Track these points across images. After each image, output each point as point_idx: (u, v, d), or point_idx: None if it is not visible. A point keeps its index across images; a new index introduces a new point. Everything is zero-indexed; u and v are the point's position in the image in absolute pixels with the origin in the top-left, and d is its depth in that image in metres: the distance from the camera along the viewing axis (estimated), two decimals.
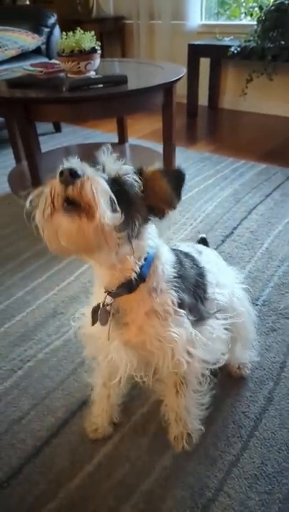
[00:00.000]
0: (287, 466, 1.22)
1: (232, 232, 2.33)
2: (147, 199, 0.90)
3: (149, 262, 1.00)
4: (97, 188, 0.76)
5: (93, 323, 1.06)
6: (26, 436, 1.34)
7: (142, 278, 0.99)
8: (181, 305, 1.06)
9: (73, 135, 4.01)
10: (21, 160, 2.90)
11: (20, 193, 0.82)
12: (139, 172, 0.90)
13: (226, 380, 1.48)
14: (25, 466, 1.26)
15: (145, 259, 0.98)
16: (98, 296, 1.06)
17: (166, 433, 1.30)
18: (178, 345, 1.04)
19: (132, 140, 3.41)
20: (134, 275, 0.97)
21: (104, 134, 3.95)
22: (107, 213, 0.77)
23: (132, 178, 0.87)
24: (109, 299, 1.03)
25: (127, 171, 0.88)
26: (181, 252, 1.20)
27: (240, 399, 1.42)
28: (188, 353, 1.08)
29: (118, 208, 0.80)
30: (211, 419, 1.34)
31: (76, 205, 0.77)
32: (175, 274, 1.06)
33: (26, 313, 1.83)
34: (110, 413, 1.33)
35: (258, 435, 1.31)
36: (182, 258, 1.15)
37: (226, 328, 1.22)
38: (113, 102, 2.07)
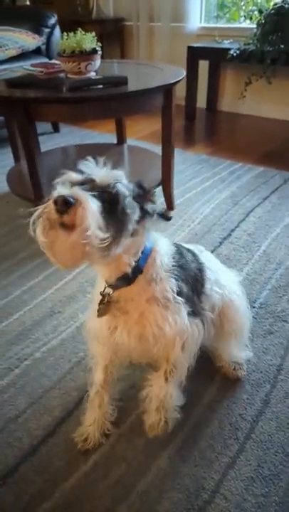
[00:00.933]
0: (283, 469, 1.22)
1: (230, 235, 2.33)
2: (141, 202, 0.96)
3: (146, 254, 1.04)
4: (89, 212, 0.82)
5: (99, 312, 1.10)
6: (23, 434, 1.34)
7: (139, 270, 1.03)
8: (179, 293, 1.10)
9: (71, 135, 4.01)
10: (20, 159, 2.90)
11: (20, 211, 0.90)
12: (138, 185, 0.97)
13: (223, 382, 1.48)
14: (21, 465, 1.26)
15: (142, 252, 1.02)
16: (100, 287, 1.10)
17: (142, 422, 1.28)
18: (172, 332, 1.09)
19: (130, 141, 3.40)
20: (129, 269, 1.01)
21: (102, 134, 3.95)
22: (97, 235, 0.83)
23: (123, 184, 0.92)
24: (109, 290, 1.07)
25: (117, 176, 0.92)
26: (182, 246, 1.24)
27: (237, 401, 1.42)
28: (180, 341, 1.13)
29: (108, 226, 0.85)
30: (208, 421, 1.35)
31: (70, 227, 0.83)
32: (174, 264, 1.10)
33: (23, 312, 1.83)
34: (102, 423, 1.32)
35: (254, 437, 1.31)
36: (183, 251, 1.19)
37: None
38: (113, 103, 2.07)
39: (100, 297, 1.09)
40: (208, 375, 1.41)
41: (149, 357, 1.18)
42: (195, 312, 1.17)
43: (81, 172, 0.93)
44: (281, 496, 1.16)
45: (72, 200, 0.81)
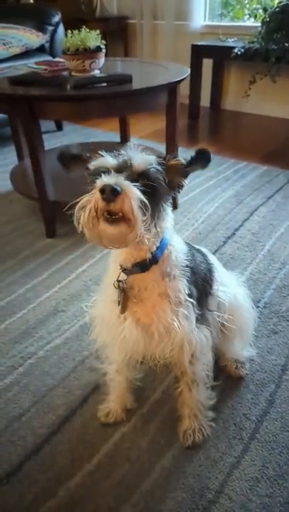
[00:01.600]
0: (288, 469, 1.21)
1: (234, 234, 2.33)
2: (169, 179, 0.97)
3: (163, 245, 1.05)
4: (134, 201, 0.84)
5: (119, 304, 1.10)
6: (26, 433, 1.34)
7: (154, 260, 1.04)
8: (190, 296, 1.11)
9: (74, 133, 4.00)
10: (24, 158, 2.89)
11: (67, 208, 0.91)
12: (163, 160, 0.97)
13: (227, 382, 1.48)
14: (25, 464, 1.25)
15: (160, 241, 1.04)
16: (112, 272, 1.10)
17: (176, 427, 1.32)
18: (179, 335, 1.09)
19: (133, 140, 3.40)
20: (148, 255, 1.02)
21: (106, 132, 3.95)
22: (142, 222, 0.86)
23: (156, 168, 0.93)
24: (123, 276, 1.07)
25: (151, 161, 0.93)
26: (193, 246, 1.25)
27: (241, 401, 1.42)
28: (188, 348, 1.13)
29: (149, 206, 0.87)
30: (212, 421, 1.34)
31: (116, 215, 0.86)
32: (187, 263, 1.11)
33: (27, 310, 1.83)
34: (124, 399, 1.36)
35: (259, 438, 1.30)
36: (194, 252, 1.21)
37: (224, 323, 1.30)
38: (117, 101, 2.06)
39: (113, 287, 1.09)
40: (213, 375, 1.40)
41: (153, 355, 1.17)
42: (203, 315, 1.17)
43: (114, 155, 0.94)
44: (286, 496, 1.15)
45: (118, 188, 0.82)
